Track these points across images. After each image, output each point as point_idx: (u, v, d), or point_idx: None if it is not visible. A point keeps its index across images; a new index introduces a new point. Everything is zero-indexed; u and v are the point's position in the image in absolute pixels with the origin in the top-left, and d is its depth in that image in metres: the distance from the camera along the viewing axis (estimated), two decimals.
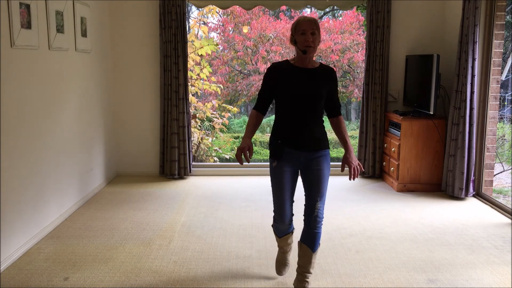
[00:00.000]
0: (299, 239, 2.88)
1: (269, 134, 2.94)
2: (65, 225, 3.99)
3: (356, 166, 2.75)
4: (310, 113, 2.77)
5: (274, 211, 2.92)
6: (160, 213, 4.32)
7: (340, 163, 3.17)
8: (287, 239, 3.08)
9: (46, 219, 3.79)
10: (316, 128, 2.81)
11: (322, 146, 2.81)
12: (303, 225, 2.83)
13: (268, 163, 2.93)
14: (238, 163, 5.74)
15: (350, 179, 2.75)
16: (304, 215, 2.81)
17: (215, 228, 3.94)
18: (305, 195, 2.83)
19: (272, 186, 2.88)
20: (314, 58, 2.84)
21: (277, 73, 2.79)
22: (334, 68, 3.65)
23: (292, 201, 2.88)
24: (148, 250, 3.48)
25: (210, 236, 3.78)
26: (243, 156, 2.65)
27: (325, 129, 2.88)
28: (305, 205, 2.82)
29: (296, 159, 2.79)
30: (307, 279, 2.86)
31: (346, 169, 4.62)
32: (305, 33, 2.67)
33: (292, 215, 2.91)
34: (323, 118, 2.90)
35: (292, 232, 3.07)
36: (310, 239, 2.80)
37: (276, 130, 2.84)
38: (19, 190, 3.38)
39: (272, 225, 3.11)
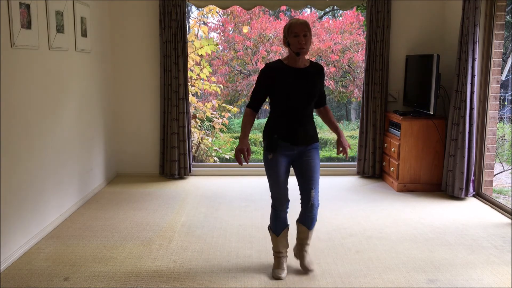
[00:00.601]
0: (296, 219, 3.17)
1: None
2: (65, 225, 3.99)
3: (347, 147, 3.11)
4: (304, 110, 2.97)
5: (272, 197, 3.09)
6: (160, 213, 4.31)
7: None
8: (285, 238, 3.15)
9: (46, 219, 3.79)
10: (309, 124, 3.02)
11: (313, 140, 3.04)
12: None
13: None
14: (238, 163, 5.91)
15: (347, 158, 3.14)
16: (301, 203, 3.08)
17: (215, 228, 3.94)
18: (299, 185, 3.06)
19: (268, 176, 3.04)
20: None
21: (271, 73, 2.93)
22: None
23: (287, 187, 3.06)
24: (148, 250, 3.48)
25: (210, 236, 3.78)
26: (242, 157, 2.85)
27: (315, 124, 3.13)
28: (300, 194, 3.06)
29: (290, 152, 2.98)
30: (306, 249, 3.16)
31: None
32: (298, 35, 2.83)
33: (289, 200, 3.09)
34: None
35: (288, 227, 3.17)
36: (307, 221, 3.11)
37: (272, 126, 3.01)
38: (19, 190, 3.38)
39: (268, 227, 3.20)
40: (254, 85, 3.02)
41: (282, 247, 3.14)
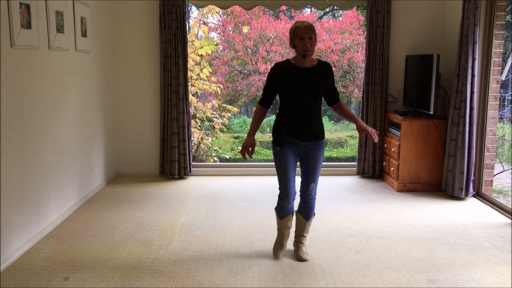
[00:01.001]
0: (295, 210, 3.40)
1: (269, 134, 3.23)
2: (65, 225, 3.99)
3: (371, 130, 3.12)
4: (309, 108, 3.13)
5: (279, 188, 3.26)
6: (160, 213, 4.31)
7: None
8: (288, 221, 3.34)
9: (46, 219, 3.79)
10: (315, 121, 3.17)
11: (319, 137, 3.20)
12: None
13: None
14: (238, 163, 6.14)
15: (375, 140, 3.12)
16: (300, 192, 3.30)
17: (215, 228, 3.94)
18: (301, 176, 3.28)
19: (276, 167, 3.23)
20: (314, 57, 3.15)
21: (279, 73, 3.12)
22: (331, 63, 4.01)
23: (295, 179, 3.25)
24: (148, 250, 3.48)
25: (210, 236, 3.78)
26: (246, 154, 3.12)
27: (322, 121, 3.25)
28: (301, 184, 3.28)
29: (297, 146, 3.17)
30: (302, 241, 3.38)
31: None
32: (303, 38, 2.98)
33: (295, 192, 3.27)
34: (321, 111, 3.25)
35: (292, 214, 3.35)
36: (304, 211, 3.33)
37: (280, 122, 3.19)
38: (19, 190, 3.38)
39: (275, 208, 3.38)
40: (265, 83, 3.24)
41: (284, 228, 3.37)
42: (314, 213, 3.40)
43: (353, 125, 11.14)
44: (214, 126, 7.61)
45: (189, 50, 6.52)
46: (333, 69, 3.23)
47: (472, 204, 4.59)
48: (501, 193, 6.18)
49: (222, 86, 8.34)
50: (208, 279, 3.05)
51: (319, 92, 3.12)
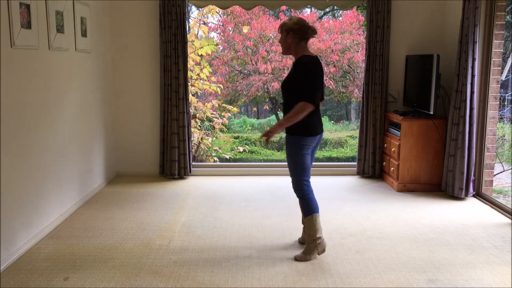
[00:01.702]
0: None
1: None
2: (65, 225, 3.99)
3: (267, 133, 3.19)
4: (284, 100, 3.27)
5: None
6: (160, 213, 4.32)
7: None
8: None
9: (46, 219, 3.79)
10: (285, 115, 3.25)
11: (286, 130, 3.24)
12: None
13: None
14: (238, 163, 6.31)
15: (264, 142, 3.28)
16: None
17: (215, 228, 3.94)
18: None
19: None
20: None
21: None
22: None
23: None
24: (148, 250, 3.48)
25: (210, 236, 3.78)
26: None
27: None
28: None
29: None
30: (306, 238, 3.39)
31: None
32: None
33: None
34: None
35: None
36: (300, 207, 3.37)
37: None
38: (19, 190, 3.38)
39: None
40: None
41: None
42: (316, 213, 3.31)
43: (353, 125, 11.19)
44: (214, 126, 7.61)
45: (189, 50, 6.52)
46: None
47: (472, 204, 4.59)
48: (501, 193, 6.18)
49: (222, 86, 8.35)
50: (208, 279, 3.05)
51: (285, 86, 3.23)
